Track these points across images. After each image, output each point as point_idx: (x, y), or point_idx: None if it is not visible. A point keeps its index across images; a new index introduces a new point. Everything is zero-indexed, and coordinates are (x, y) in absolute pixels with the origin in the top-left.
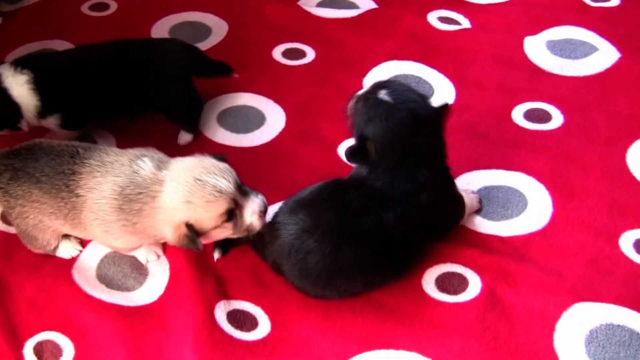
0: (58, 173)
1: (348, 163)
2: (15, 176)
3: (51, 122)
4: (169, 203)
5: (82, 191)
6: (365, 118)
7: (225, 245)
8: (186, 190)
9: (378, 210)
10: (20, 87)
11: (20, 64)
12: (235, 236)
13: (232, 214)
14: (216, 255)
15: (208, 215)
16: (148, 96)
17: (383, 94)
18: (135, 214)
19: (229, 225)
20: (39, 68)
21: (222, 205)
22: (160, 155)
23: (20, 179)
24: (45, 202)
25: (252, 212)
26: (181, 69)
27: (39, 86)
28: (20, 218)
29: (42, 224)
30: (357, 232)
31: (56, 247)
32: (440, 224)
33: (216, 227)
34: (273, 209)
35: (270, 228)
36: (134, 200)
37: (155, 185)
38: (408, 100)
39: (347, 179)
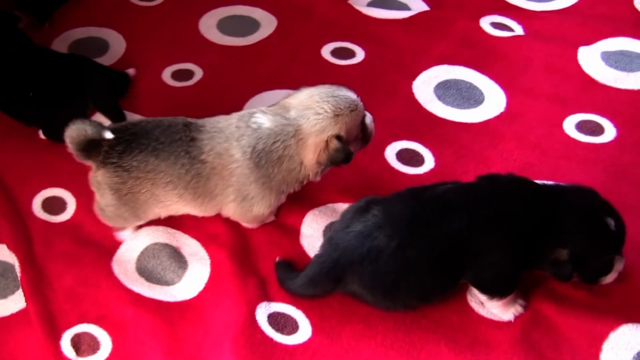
0: (175, 140)
1: None
2: (129, 148)
3: None
4: (314, 126)
5: (209, 157)
6: None
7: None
8: (331, 106)
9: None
10: None
11: None
12: (358, 149)
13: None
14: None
15: (354, 124)
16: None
17: None
18: (275, 164)
19: (360, 134)
20: None
21: (362, 113)
22: (259, 108)
23: (134, 150)
24: (162, 171)
25: (370, 120)
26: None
27: None
28: (130, 193)
29: (153, 199)
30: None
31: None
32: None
33: (356, 137)
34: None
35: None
36: (270, 152)
37: (288, 127)
38: None
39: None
